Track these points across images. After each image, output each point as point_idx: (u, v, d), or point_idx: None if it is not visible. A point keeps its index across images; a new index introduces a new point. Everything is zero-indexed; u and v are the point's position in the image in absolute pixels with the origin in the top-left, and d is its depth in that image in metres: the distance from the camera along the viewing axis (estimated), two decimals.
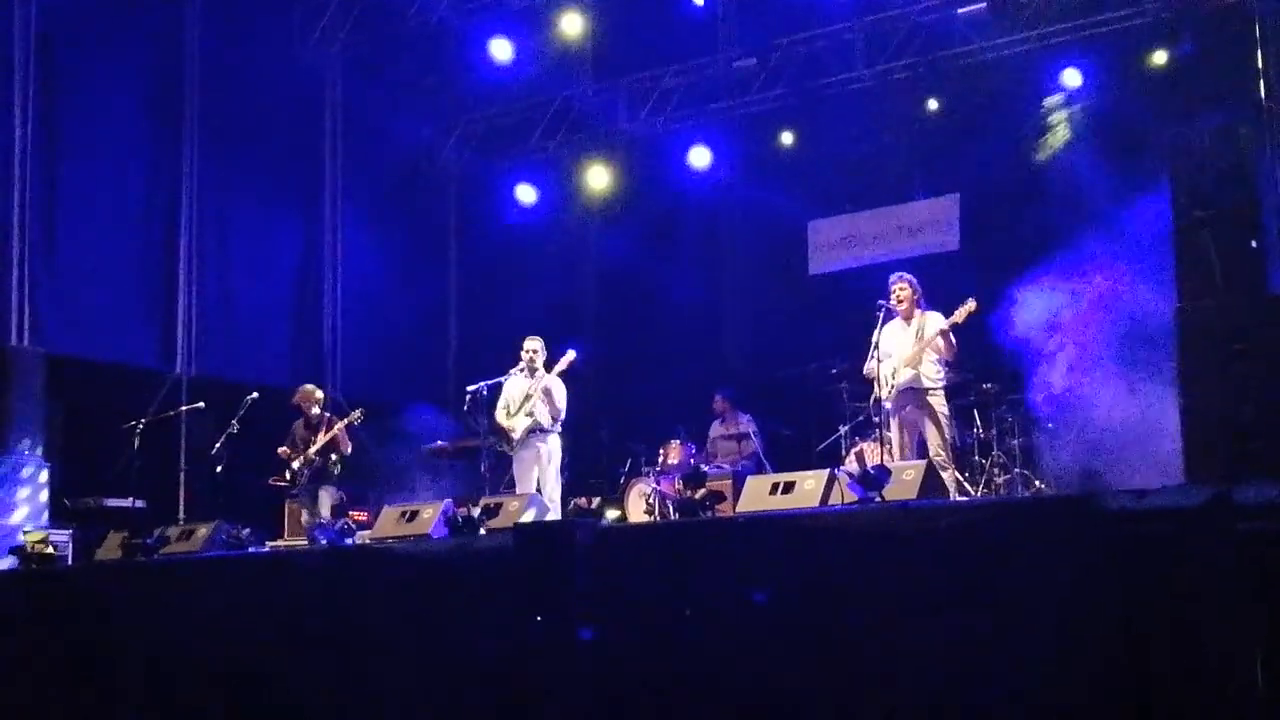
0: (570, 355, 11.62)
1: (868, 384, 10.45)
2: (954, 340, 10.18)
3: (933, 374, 10.16)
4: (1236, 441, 6.84)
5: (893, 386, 10.12)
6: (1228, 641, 5.41)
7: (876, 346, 9.96)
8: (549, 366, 11.59)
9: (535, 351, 11.56)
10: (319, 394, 12.65)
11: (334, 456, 12.24)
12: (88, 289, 13.91)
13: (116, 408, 12.58)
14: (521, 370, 11.61)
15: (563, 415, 11.58)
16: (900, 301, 10.28)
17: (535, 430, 11.47)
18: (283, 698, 7.90)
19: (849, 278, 14.64)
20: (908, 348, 10.17)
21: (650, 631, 6.76)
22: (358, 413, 12.46)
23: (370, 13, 16.07)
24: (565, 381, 11.62)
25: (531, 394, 11.50)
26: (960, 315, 10.16)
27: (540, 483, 11.37)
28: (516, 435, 11.48)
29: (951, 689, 5.96)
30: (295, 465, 12.25)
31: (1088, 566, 5.77)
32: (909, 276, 10.47)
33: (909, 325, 10.28)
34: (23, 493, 12.43)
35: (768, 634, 6.44)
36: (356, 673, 7.61)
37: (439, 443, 13.90)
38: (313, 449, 12.22)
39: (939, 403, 10.11)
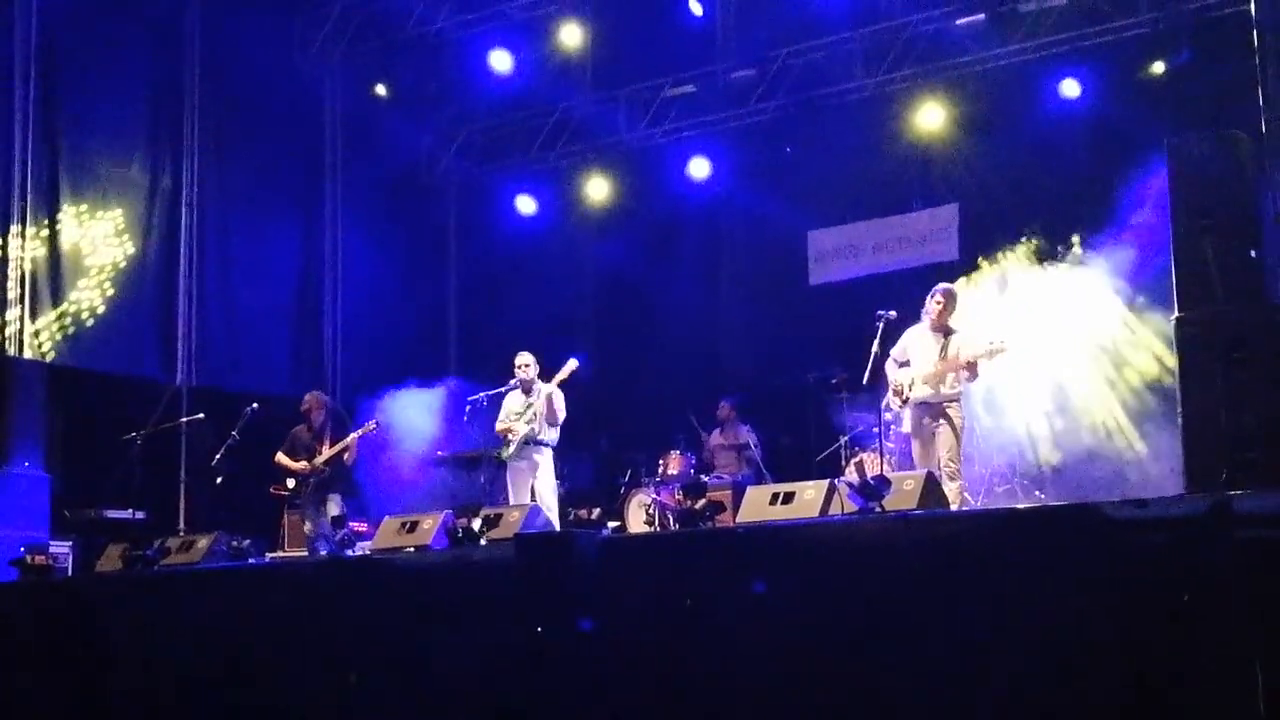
0: (573, 364, 11.63)
1: (871, 383, 10.22)
2: (979, 371, 10.01)
3: (950, 385, 9.99)
4: (1236, 450, 6.85)
5: (908, 398, 9.97)
6: (1228, 650, 5.41)
7: (880, 355, 9.84)
8: (546, 377, 11.61)
9: (527, 366, 11.62)
10: (327, 401, 12.60)
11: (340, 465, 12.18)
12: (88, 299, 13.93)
13: (117, 418, 12.57)
14: (516, 385, 11.65)
15: (560, 420, 11.57)
16: (935, 313, 10.04)
17: (531, 441, 11.48)
18: (283, 708, 7.90)
19: (848, 288, 14.64)
20: (930, 364, 9.94)
21: (651, 641, 6.76)
22: (373, 423, 12.36)
23: (371, 22, 16.10)
24: (565, 389, 11.64)
25: (533, 403, 11.52)
26: (991, 355, 9.83)
27: (537, 494, 11.38)
28: (515, 437, 11.47)
29: (952, 699, 5.96)
30: (301, 475, 12.13)
31: (1088, 576, 5.77)
32: (953, 291, 10.27)
33: (937, 339, 10.03)
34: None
35: (768, 644, 6.44)
36: (357, 684, 7.61)
37: (439, 453, 13.89)
38: (319, 459, 12.12)
39: (955, 413, 9.93)
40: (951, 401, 9.91)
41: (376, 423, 12.40)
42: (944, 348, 9.94)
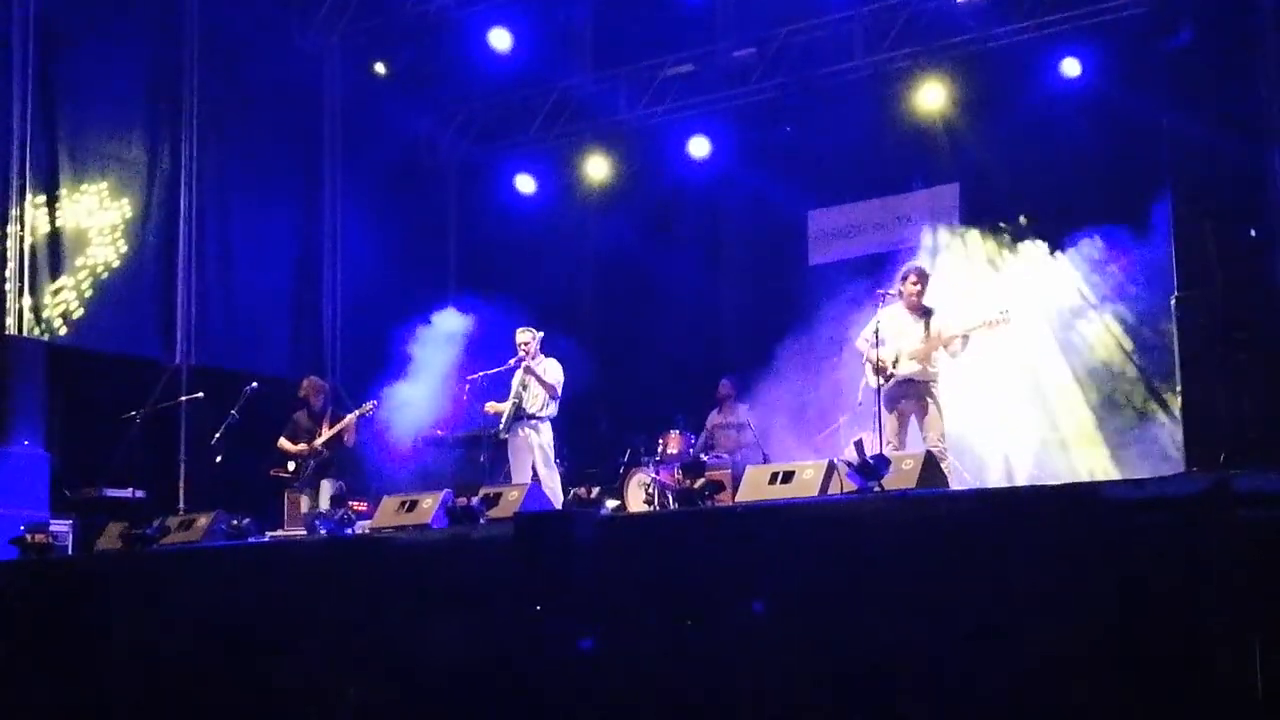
0: (538, 334, 11.59)
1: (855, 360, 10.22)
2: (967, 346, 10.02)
3: (934, 364, 10.05)
4: (1236, 429, 6.87)
5: (892, 375, 10.00)
6: (1227, 630, 5.41)
7: (876, 334, 9.85)
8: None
9: (525, 343, 11.60)
10: (325, 385, 12.63)
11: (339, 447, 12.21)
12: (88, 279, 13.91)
13: (116, 397, 12.59)
14: (518, 360, 11.64)
15: (558, 392, 11.50)
16: (913, 294, 10.11)
17: (523, 417, 11.43)
18: (282, 688, 7.91)
19: (848, 267, 14.62)
20: (916, 341, 9.98)
21: (649, 620, 6.77)
22: (371, 404, 12.40)
23: (369, 1, 16.05)
24: (565, 370, 11.60)
25: (527, 382, 11.53)
26: (993, 326, 9.84)
27: (536, 471, 11.34)
28: (502, 419, 11.47)
29: (949, 678, 5.97)
30: (301, 457, 12.16)
31: (1086, 556, 5.77)
32: (925, 270, 10.35)
33: (916, 319, 10.10)
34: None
35: (766, 623, 6.45)
36: (356, 663, 7.62)
37: (438, 432, 13.89)
38: (319, 440, 12.16)
39: (937, 393, 10.00)
40: (935, 381, 9.98)
41: (375, 403, 12.43)
42: (927, 326, 9.96)
